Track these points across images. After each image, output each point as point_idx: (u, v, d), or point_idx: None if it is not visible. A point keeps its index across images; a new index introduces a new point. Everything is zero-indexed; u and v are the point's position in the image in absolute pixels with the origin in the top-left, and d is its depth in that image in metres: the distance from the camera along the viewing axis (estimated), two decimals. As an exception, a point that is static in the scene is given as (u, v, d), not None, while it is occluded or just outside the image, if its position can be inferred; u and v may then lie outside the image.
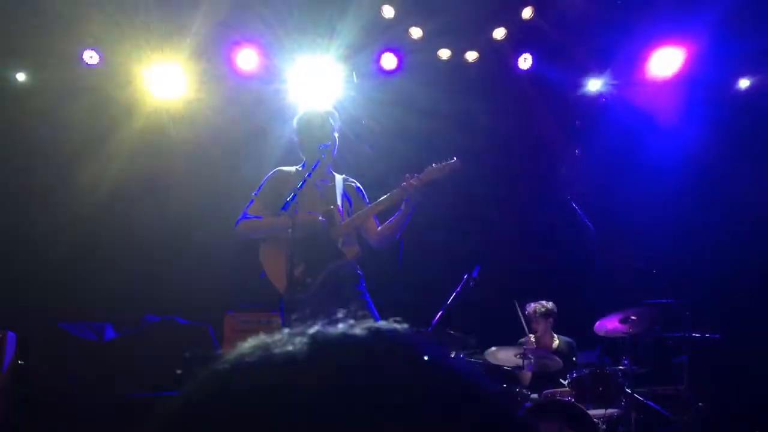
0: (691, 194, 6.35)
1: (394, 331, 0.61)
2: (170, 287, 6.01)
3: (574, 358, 5.52)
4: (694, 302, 5.27)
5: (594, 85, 6.42)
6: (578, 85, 6.45)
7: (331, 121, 4.19)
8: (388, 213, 4.07)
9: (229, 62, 6.11)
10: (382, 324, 0.61)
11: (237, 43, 6.06)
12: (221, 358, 0.61)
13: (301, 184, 3.73)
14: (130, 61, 6.05)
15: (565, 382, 4.93)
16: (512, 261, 6.45)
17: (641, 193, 6.42)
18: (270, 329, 0.64)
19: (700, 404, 5.14)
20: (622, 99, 6.46)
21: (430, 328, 4.79)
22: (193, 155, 6.41)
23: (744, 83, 6.39)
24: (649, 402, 4.93)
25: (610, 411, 4.61)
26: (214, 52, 6.12)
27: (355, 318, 0.62)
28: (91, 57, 6.01)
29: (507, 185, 6.75)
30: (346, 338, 0.59)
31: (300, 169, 4.16)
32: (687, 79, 6.23)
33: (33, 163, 6.29)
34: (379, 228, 4.10)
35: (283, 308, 3.91)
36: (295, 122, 4.24)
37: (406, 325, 0.62)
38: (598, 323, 5.08)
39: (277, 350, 0.58)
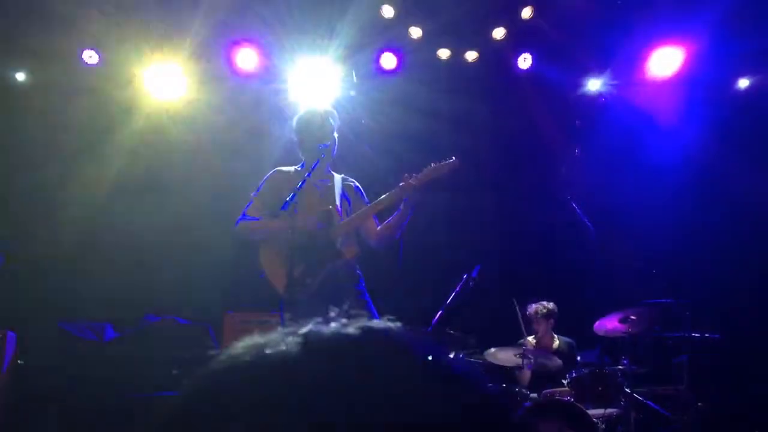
0: (691, 194, 6.35)
1: (387, 329, 0.61)
2: (170, 287, 6.01)
3: (578, 358, 5.51)
4: (694, 302, 5.27)
5: (594, 84, 6.42)
6: (578, 84, 6.44)
7: (331, 120, 4.19)
8: (388, 213, 4.07)
9: (229, 62, 6.11)
10: (375, 323, 0.62)
11: (237, 43, 6.06)
12: (216, 358, 0.61)
13: (301, 184, 3.73)
14: (130, 61, 6.05)
15: (565, 382, 4.93)
16: (512, 261, 6.45)
17: (641, 192, 6.42)
18: (269, 329, 0.64)
19: (699, 404, 5.13)
20: (622, 99, 6.46)
21: (429, 328, 4.79)
22: (193, 155, 6.41)
23: (743, 83, 6.39)
24: (648, 402, 4.93)
25: (609, 411, 4.61)
26: (214, 52, 6.12)
27: (349, 316, 0.62)
28: (90, 57, 6.01)
29: (507, 185, 6.74)
30: (338, 337, 0.59)
31: (299, 169, 4.16)
32: (687, 78, 6.23)
33: (33, 162, 6.29)
34: (379, 228, 4.10)
35: (282, 308, 3.92)
36: (294, 122, 4.25)
37: (399, 324, 0.62)
38: (597, 323, 5.08)
39: (270, 350, 0.58)
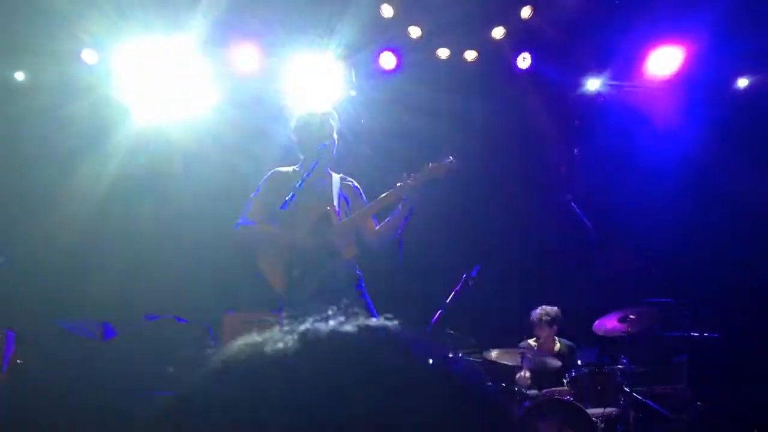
0: (691, 194, 6.35)
1: (384, 327, 0.61)
2: (170, 287, 6.01)
3: (579, 362, 5.49)
4: (694, 302, 5.27)
5: (593, 84, 6.41)
6: (577, 84, 6.44)
7: (331, 121, 4.18)
8: (387, 213, 4.07)
9: (229, 62, 6.11)
10: (373, 321, 0.62)
11: (237, 43, 6.06)
12: (214, 356, 0.61)
13: (300, 184, 3.73)
14: (129, 61, 6.05)
15: (565, 382, 4.93)
16: (512, 261, 6.45)
17: (641, 192, 6.41)
18: (269, 329, 0.64)
19: (698, 403, 5.14)
20: (621, 98, 6.46)
21: (429, 328, 4.79)
22: (193, 155, 6.42)
23: (743, 83, 6.38)
24: (647, 401, 4.93)
25: (608, 410, 4.61)
26: (214, 52, 6.12)
27: (346, 315, 0.62)
28: (90, 56, 6.01)
29: (506, 185, 6.74)
30: (335, 335, 0.59)
31: (297, 169, 4.15)
32: (686, 78, 6.22)
33: (32, 162, 6.29)
34: (378, 228, 4.10)
35: (282, 308, 3.92)
36: (294, 122, 4.24)
37: (396, 322, 0.62)
38: (597, 322, 5.08)
39: (267, 348, 0.59)
